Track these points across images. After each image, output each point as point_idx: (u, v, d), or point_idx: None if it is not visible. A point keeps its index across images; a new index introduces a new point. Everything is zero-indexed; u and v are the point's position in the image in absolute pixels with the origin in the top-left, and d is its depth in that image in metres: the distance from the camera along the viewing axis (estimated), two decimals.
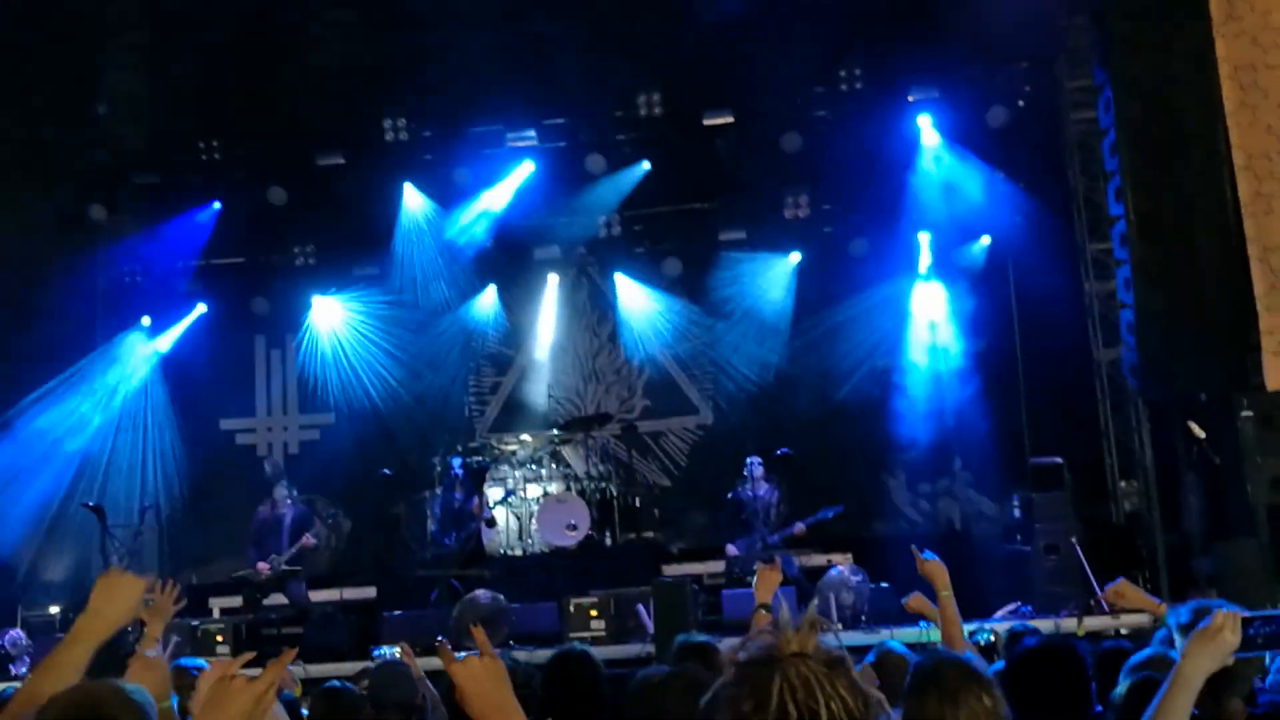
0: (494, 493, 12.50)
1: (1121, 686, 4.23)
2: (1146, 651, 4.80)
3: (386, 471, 12.44)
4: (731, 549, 11.17)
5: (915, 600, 4.84)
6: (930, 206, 13.46)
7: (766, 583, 4.86)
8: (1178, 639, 4.36)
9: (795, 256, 13.90)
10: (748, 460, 11.32)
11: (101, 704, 2.53)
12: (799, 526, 11.03)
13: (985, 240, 13.41)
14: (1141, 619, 9.17)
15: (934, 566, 4.75)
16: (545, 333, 14.82)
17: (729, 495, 11.52)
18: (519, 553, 12.45)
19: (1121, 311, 10.53)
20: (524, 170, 13.83)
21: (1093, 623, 9.11)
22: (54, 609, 12.54)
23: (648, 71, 13.54)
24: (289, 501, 11.46)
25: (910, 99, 13.23)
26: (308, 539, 10.87)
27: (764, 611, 4.77)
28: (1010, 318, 13.39)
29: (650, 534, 12.73)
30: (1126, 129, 9.94)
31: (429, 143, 13.82)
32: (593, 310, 15.04)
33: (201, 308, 14.35)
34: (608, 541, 12.25)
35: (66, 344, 13.61)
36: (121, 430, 13.95)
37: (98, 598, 2.85)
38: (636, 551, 12.21)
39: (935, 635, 8.70)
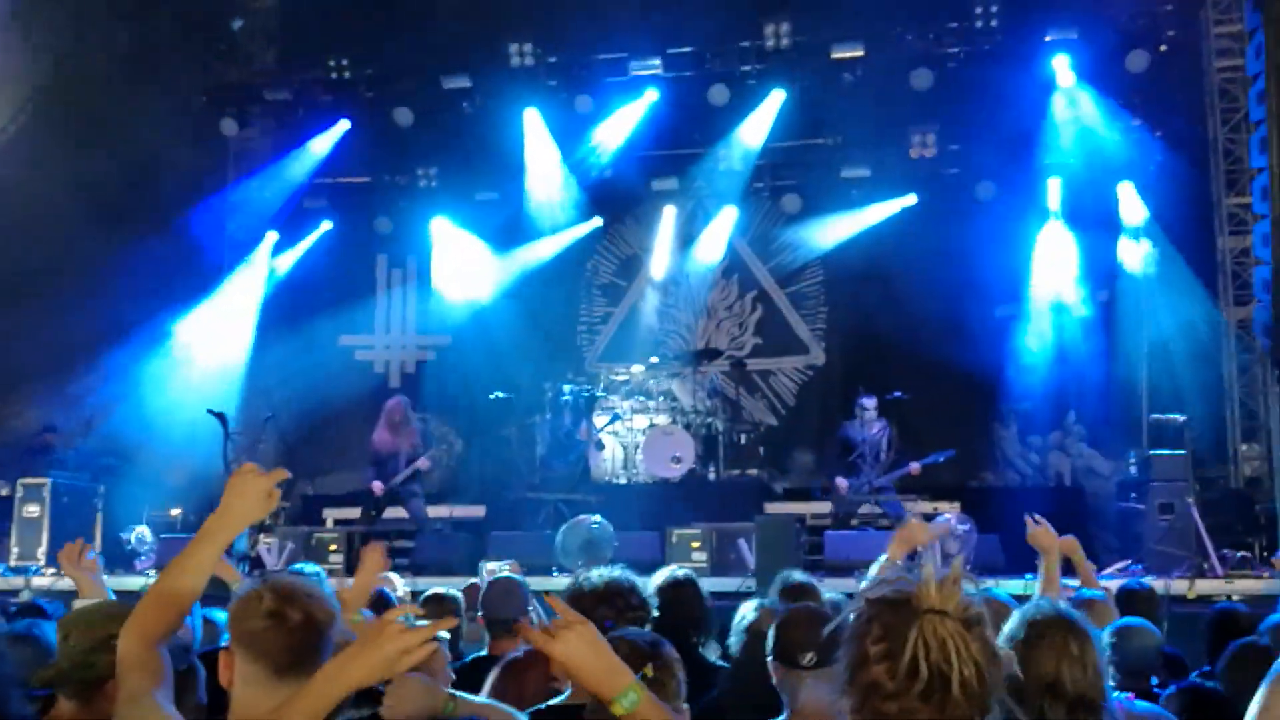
0: (601, 420, 12.60)
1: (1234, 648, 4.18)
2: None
3: (500, 395, 12.61)
4: (842, 483, 11.05)
5: (1042, 535, 4.73)
6: (1062, 151, 13.09)
7: (905, 538, 4.59)
8: None
9: (911, 198, 13.59)
10: (860, 399, 11.21)
11: (308, 583, 2.68)
12: (913, 466, 10.90)
13: (1120, 188, 12.95)
14: (1255, 585, 8.97)
15: (1043, 534, 4.68)
16: (659, 265, 14.82)
17: (838, 432, 11.44)
18: (624, 481, 12.57)
19: (1257, 268, 10.15)
20: (647, 99, 13.74)
21: (1204, 586, 8.91)
22: (175, 510, 13.07)
23: (777, 1, 13.33)
24: (410, 431, 11.63)
25: (1047, 39, 12.79)
26: (423, 461, 11.09)
27: (890, 564, 4.73)
28: (1139, 269, 13.01)
29: (754, 471, 12.73)
30: (1277, 75, 9.49)
31: (553, 69, 13.79)
32: (707, 244, 14.96)
33: (327, 225, 14.65)
34: (711, 476, 12.30)
35: (197, 254, 14.04)
36: (246, 339, 14.37)
37: (230, 495, 2.85)
38: (740, 488, 12.24)
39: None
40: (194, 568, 2.84)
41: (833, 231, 14.04)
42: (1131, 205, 12.95)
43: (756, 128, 13.74)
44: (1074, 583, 7.69)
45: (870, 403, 11.18)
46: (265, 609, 2.58)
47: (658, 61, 13.64)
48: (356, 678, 2.37)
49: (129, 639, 2.81)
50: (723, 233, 14.58)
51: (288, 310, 14.53)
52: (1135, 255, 13.04)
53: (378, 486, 11.00)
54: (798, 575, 5.07)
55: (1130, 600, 5.61)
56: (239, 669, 2.60)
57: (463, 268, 14.66)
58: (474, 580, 6.82)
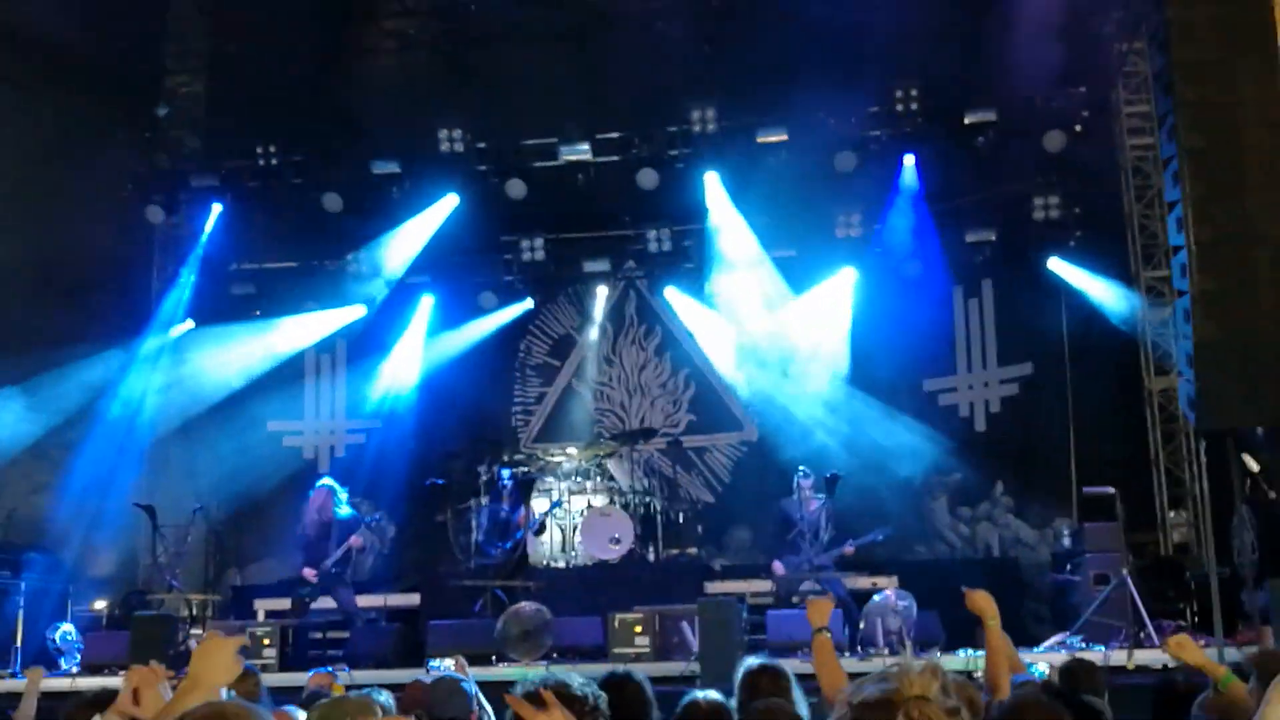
0: (540, 504, 12.53)
1: None
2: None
3: (438, 481, 12.48)
4: (779, 567, 11.10)
5: (980, 598, 4.74)
6: (984, 229, 13.40)
7: (820, 610, 4.82)
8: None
9: (850, 272, 13.81)
10: (797, 477, 11.27)
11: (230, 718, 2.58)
12: (848, 546, 10.97)
13: (1045, 264, 13.27)
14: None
15: (981, 598, 4.70)
16: (591, 345, 14.88)
17: (777, 507, 11.46)
18: (562, 564, 12.46)
19: (1180, 343, 10.41)
20: (576, 183, 13.85)
21: (1143, 656, 9.00)
22: (100, 604, 12.71)
23: (703, 86, 13.56)
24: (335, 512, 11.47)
25: (966, 121, 13.12)
26: (355, 539, 10.91)
27: (825, 634, 4.74)
28: (1061, 343, 13.30)
29: (693, 550, 12.71)
30: (1189, 156, 9.81)
31: (484, 154, 13.87)
32: (640, 323, 15.08)
33: (255, 311, 14.47)
34: (651, 556, 12.24)
35: (121, 340, 13.79)
36: (171, 428, 14.10)
37: (197, 664, 2.87)
38: (679, 567, 12.19)
39: (981, 662, 8.67)
40: None
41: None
42: (1062, 276, 13.26)
43: (684, 209, 13.89)
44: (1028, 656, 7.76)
45: (808, 481, 11.24)
46: None
47: (586, 146, 13.77)
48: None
49: None
50: (654, 312, 14.70)
51: (215, 398, 14.27)
52: (1055, 328, 13.33)
53: (309, 573, 10.79)
54: (762, 659, 4.94)
55: (1073, 674, 5.66)
56: None
57: (392, 352, 14.55)
58: (417, 676, 6.67)
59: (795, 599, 10.81)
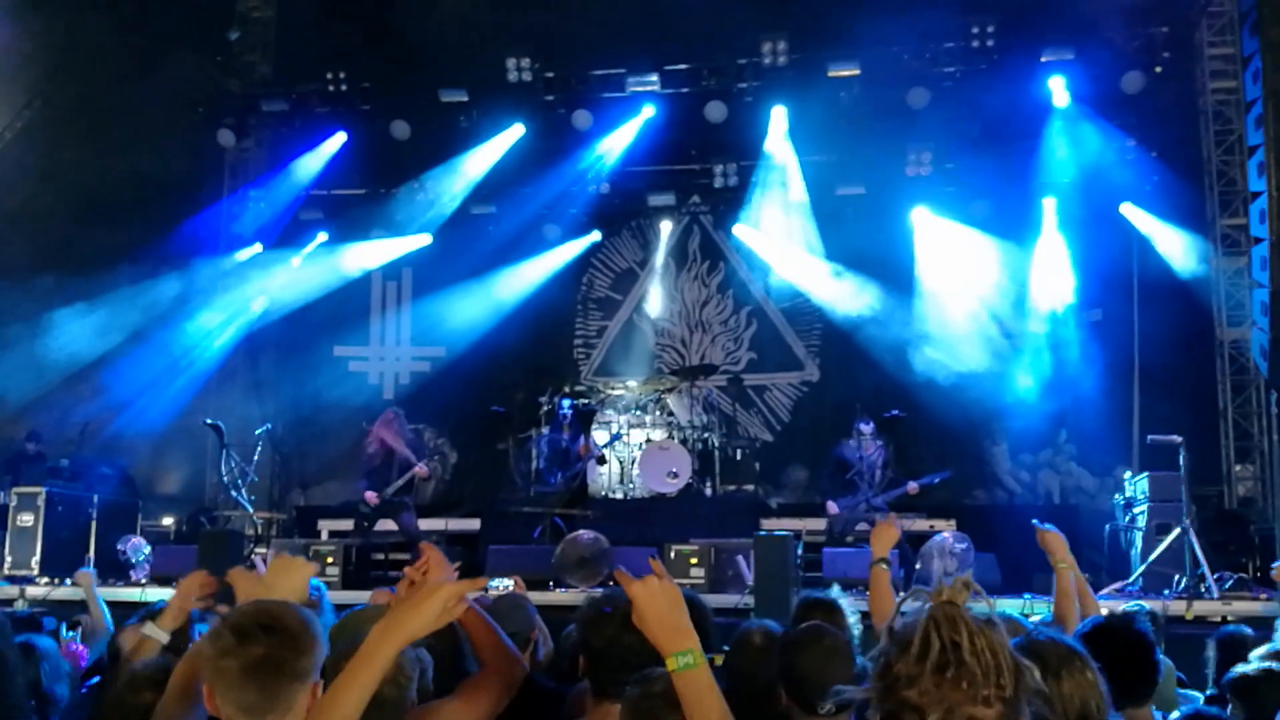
0: (600, 436, 12.60)
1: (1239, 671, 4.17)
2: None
3: (499, 409, 12.57)
4: (833, 507, 11.10)
5: (1051, 537, 4.70)
6: (1057, 171, 13.15)
7: (884, 538, 4.76)
8: None
9: (922, 211, 13.64)
10: (857, 422, 11.22)
11: (278, 612, 2.63)
12: (911, 485, 10.91)
13: (1118, 208, 13.02)
14: (1253, 606, 8.98)
15: (1053, 538, 4.62)
16: (655, 279, 14.86)
17: (834, 452, 11.46)
18: (620, 496, 12.56)
19: (1255, 291, 10.21)
20: (644, 115, 13.77)
21: (1201, 607, 8.92)
22: (168, 520, 13.04)
23: (774, 18, 13.38)
24: (402, 439, 11.60)
25: (1043, 59, 12.84)
26: (420, 468, 11.04)
27: (883, 566, 4.72)
28: (1131, 290, 13.09)
29: (750, 487, 12.73)
30: (1274, 100, 9.56)
31: (551, 84, 13.82)
32: (703, 260, 15.03)
33: (323, 236, 14.60)
34: (708, 491, 12.30)
35: (193, 263, 14.01)
36: (241, 350, 14.34)
37: (272, 575, 2.94)
38: (736, 503, 12.24)
39: (1039, 607, 8.66)
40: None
41: (830, 247, 14.04)
42: (1119, 227, 13.02)
43: (751, 144, 13.76)
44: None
45: (868, 427, 11.19)
46: (221, 647, 2.52)
47: (655, 78, 13.67)
48: (410, 630, 2.53)
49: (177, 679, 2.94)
50: (719, 247, 14.63)
51: (282, 321, 14.48)
52: (1126, 276, 13.11)
53: (371, 496, 10.94)
54: (820, 593, 4.98)
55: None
56: (219, 705, 2.54)
57: (458, 280, 14.62)
58: (481, 595, 6.76)
59: (849, 539, 10.82)
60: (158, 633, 3.96)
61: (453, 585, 2.59)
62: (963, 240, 13.56)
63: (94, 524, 11.32)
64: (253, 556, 10.27)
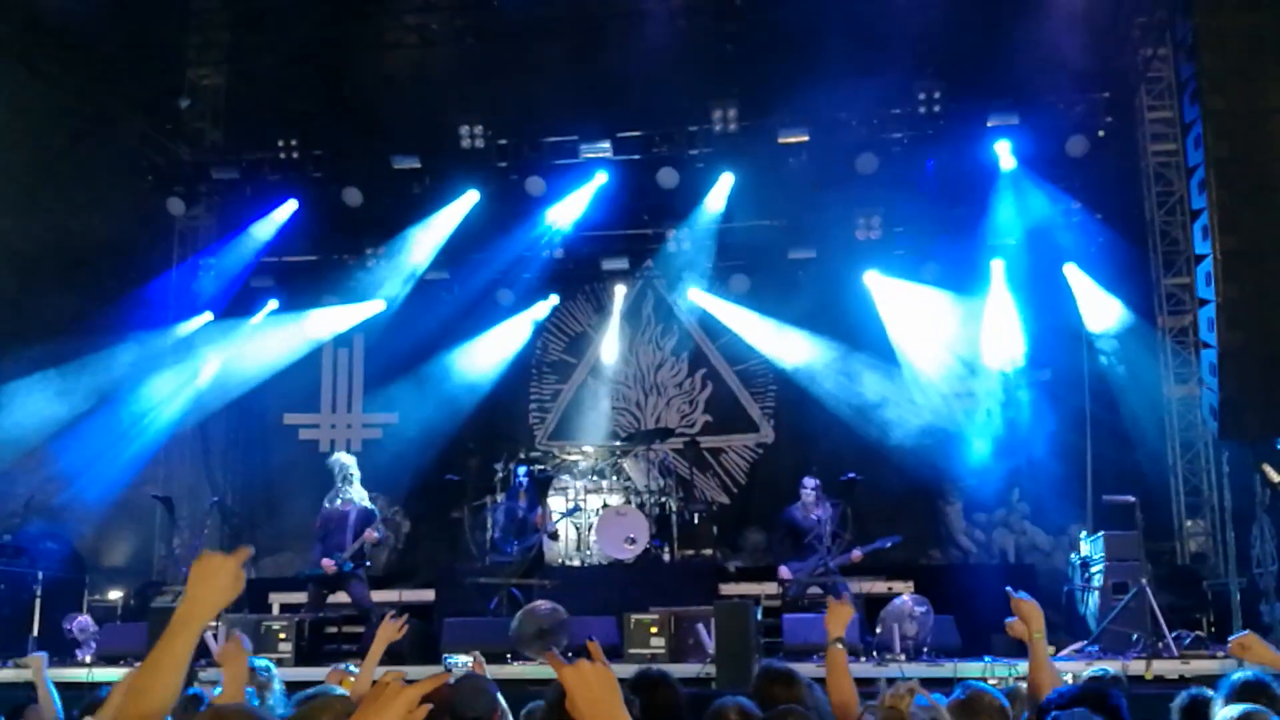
0: (557, 503, 12.52)
1: None
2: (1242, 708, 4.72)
3: (453, 477, 12.45)
4: (784, 571, 11.12)
5: (1017, 625, 4.71)
6: (1005, 232, 13.36)
7: (839, 616, 4.77)
8: None
9: (872, 273, 13.79)
10: (803, 481, 11.28)
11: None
12: (855, 553, 11.00)
13: (1063, 269, 13.22)
14: (1210, 665, 9.03)
15: (1029, 607, 4.60)
16: (609, 343, 14.87)
17: (783, 515, 11.48)
18: (577, 563, 12.47)
19: (1203, 352, 10.38)
20: (597, 181, 13.84)
21: (1161, 666, 8.96)
22: (115, 594, 12.74)
23: (724, 86, 13.53)
24: (354, 491, 11.45)
25: (989, 124, 13.07)
26: (371, 533, 10.89)
27: (839, 646, 4.71)
28: (1080, 350, 13.26)
29: (708, 551, 12.68)
30: (1216, 166, 9.79)
31: (504, 151, 13.84)
32: (657, 323, 15.07)
33: (274, 304, 14.48)
34: (666, 557, 12.23)
35: (142, 332, 13.81)
36: (190, 421, 14.13)
37: (194, 584, 2.78)
38: (694, 568, 12.17)
39: (999, 670, 8.64)
40: (169, 664, 2.72)
41: (781, 311, 14.15)
42: (1065, 287, 13.22)
43: (710, 209, 13.88)
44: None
45: (811, 484, 11.25)
46: None
47: (607, 144, 13.74)
48: None
49: None
50: (672, 312, 14.71)
51: (232, 390, 14.30)
52: (1074, 336, 13.29)
53: (328, 564, 10.76)
54: (779, 663, 4.96)
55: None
56: None
57: (409, 346, 14.52)
58: (437, 672, 6.63)
59: (804, 602, 10.80)
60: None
61: (413, 689, 2.49)
62: (914, 303, 13.69)
63: (38, 601, 11.03)
64: (204, 633, 10.04)
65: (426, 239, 14.08)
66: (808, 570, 11.02)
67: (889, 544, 11.20)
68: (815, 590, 10.97)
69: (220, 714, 2.56)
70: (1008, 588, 4.71)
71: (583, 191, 13.88)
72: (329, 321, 14.64)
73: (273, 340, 14.39)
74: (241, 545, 2.88)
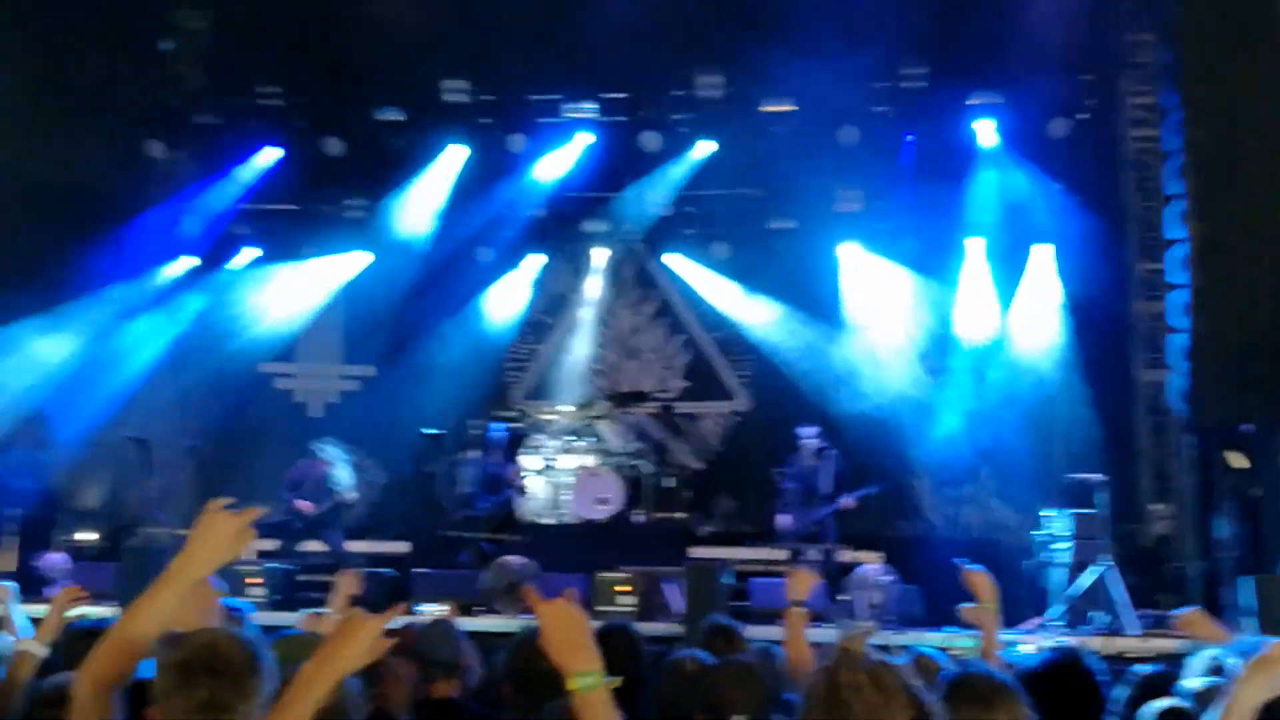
0: (532, 462, 12.58)
1: (1154, 708, 4.25)
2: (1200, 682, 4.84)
3: (429, 431, 12.46)
4: (783, 520, 11.21)
5: (971, 611, 4.82)
6: (984, 210, 13.45)
7: (800, 582, 4.82)
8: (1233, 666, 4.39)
9: (851, 245, 13.84)
10: (798, 431, 11.41)
11: (224, 650, 2.61)
12: (846, 499, 11.12)
13: (1038, 249, 13.35)
14: (1168, 644, 9.21)
15: (979, 578, 4.69)
16: (587, 305, 14.91)
17: (783, 466, 11.54)
18: (550, 521, 12.55)
19: (1173, 336, 10.53)
20: (580, 142, 13.83)
21: (1120, 644, 9.14)
22: (87, 536, 12.70)
23: (710, 53, 13.53)
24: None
25: (971, 102, 13.14)
26: (346, 494, 10.97)
27: (799, 610, 4.77)
28: (1054, 329, 13.39)
29: (679, 515, 12.78)
30: (1194, 153, 9.90)
31: (487, 107, 13.82)
32: (636, 287, 15.10)
33: (254, 252, 14.41)
34: (637, 519, 12.33)
35: (117, 277, 13.70)
36: (165, 365, 14.07)
37: (196, 538, 2.85)
38: (665, 531, 12.27)
39: (962, 642, 8.79)
40: (154, 612, 2.80)
41: (760, 280, 14.23)
42: (1041, 267, 13.34)
43: (683, 175, 13.90)
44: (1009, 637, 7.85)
45: (810, 431, 11.39)
46: (165, 685, 2.55)
47: (592, 105, 13.74)
48: (338, 670, 2.58)
49: (82, 684, 2.78)
50: (651, 276, 14.74)
51: (208, 337, 14.24)
52: (1052, 316, 13.43)
53: (306, 505, 10.83)
54: (723, 619, 5.10)
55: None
56: None
57: (390, 299, 14.51)
58: (411, 619, 6.71)
59: (797, 552, 10.95)
60: (35, 647, 3.93)
61: (375, 619, 2.65)
62: (890, 276, 13.80)
63: (17, 540, 10.98)
64: None
65: (413, 194, 14.01)
66: (805, 519, 11.14)
67: (877, 490, 11.47)
68: (793, 568, 11.10)
69: (207, 641, 2.63)
70: (954, 559, 4.80)
71: (565, 151, 13.88)
72: (309, 272, 14.58)
73: (251, 288, 14.35)
74: (250, 506, 2.94)
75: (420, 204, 14.17)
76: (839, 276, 13.99)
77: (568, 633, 2.61)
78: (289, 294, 14.54)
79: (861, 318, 13.97)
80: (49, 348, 12.53)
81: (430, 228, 14.24)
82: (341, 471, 11.33)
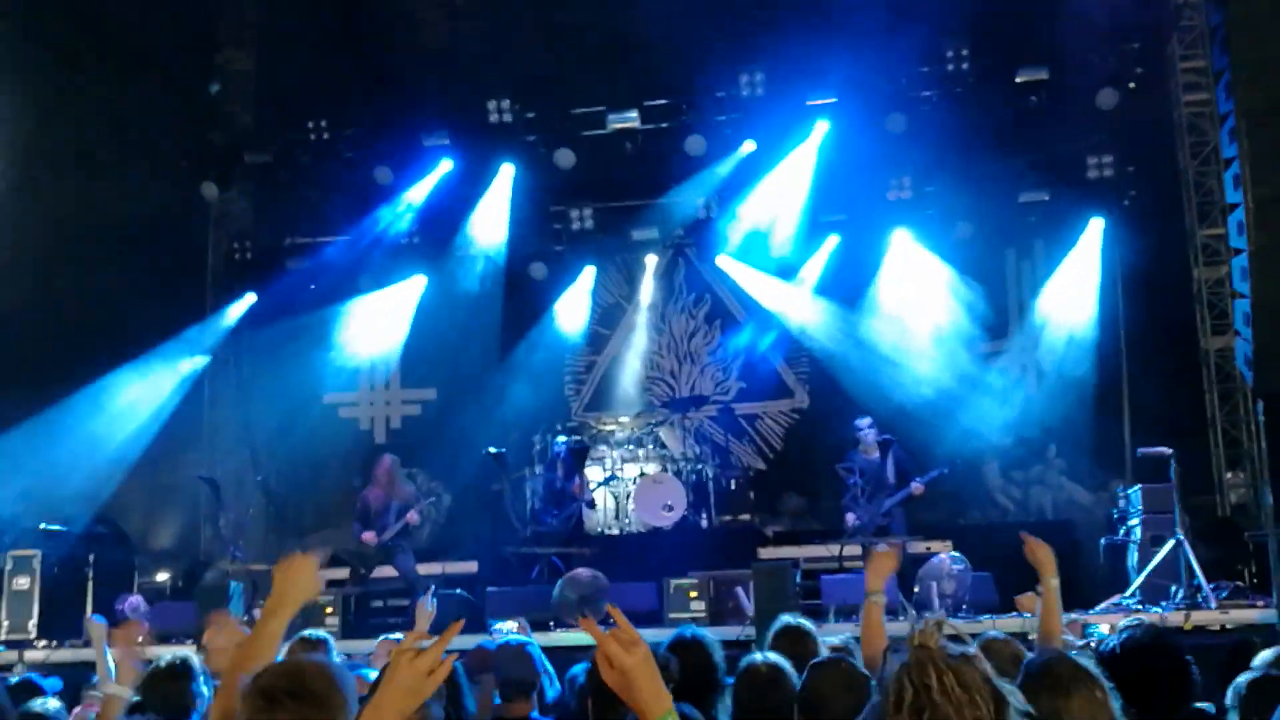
0: (595, 474, 12.63)
1: (1242, 680, 4.17)
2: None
3: (495, 450, 12.55)
4: (851, 518, 11.13)
5: (1026, 598, 4.77)
6: (1036, 189, 13.27)
7: (879, 568, 4.74)
8: None
9: (904, 234, 13.73)
10: (856, 424, 11.33)
11: (305, 675, 2.69)
12: (916, 485, 11.03)
13: (1094, 224, 13.16)
14: (1249, 614, 9.04)
15: (1043, 553, 4.63)
16: (642, 313, 14.95)
17: (844, 464, 11.47)
18: (616, 532, 12.60)
19: (1236, 301, 10.28)
20: (626, 150, 13.86)
21: (1199, 617, 8.99)
22: (163, 575, 12.97)
23: (750, 51, 13.50)
24: (400, 485, 11.64)
25: (1018, 80, 12.96)
26: (412, 515, 11.09)
27: (876, 600, 4.72)
28: (1116, 302, 13.20)
29: (745, 516, 12.76)
30: (1248, 115, 9.66)
31: (532, 124, 13.90)
32: (689, 291, 15.11)
33: (310, 285, 14.60)
34: (703, 523, 12.34)
35: (177, 317, 13.98)
36: (228, 402, 14.31)
37: (280, 582, 3.14)
38: (733, 534, 12.28)
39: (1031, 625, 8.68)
40: (266, 642, 3.11)
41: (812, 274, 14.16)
42: (1100, 239, 13.15)
43: (733, 177, 13.88)
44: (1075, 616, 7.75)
45: (866, 422, 11.31)
46: (249, 711, 2.61)
47: (635, 113, 13.76)
48: (393, 713, 2.48)
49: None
50: (704, 279, 14.76)
51: (273, 371, 14.48)
52: (1110, 288, 13.22)
53: (369, 536, 10.97)
54: (794, 619, 5.05)
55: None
56: None
57: (446, 321, 14.64)
58: (480, 641, 6.77)
59: (870, 544, 10.85)
60: (121, 690, 4.05)
61: (428, 650, 2.53)
62: (941, 261, 13.66)
63: (90, 584, 11.24)
64: (254, 610, 10.24)
65: (460, 216, 14.16)
66: (874, 512, 11.06)
67: (945, 471, 11.38)
68: (875, 549, 11.01)
69: (289, 668, 2.72)
70: (1021, 532, 4.74)
71: (611, 161, 13.91)
72: (366, 300, 14.77)
73: (311, 320, 14.55)
74: (316, 548, 3.31)
75: (474, 225, 14.26)
76: (891, 266, 13.85)
77: (646, 677, 2.47)
78: (352, 325, 14.70)
79: (912, 305, 13.82)
80: (121, 393, 12.76)
81: (484, 248, 14.33)
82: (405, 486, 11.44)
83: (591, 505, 12.47)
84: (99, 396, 12.64)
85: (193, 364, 13.96)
